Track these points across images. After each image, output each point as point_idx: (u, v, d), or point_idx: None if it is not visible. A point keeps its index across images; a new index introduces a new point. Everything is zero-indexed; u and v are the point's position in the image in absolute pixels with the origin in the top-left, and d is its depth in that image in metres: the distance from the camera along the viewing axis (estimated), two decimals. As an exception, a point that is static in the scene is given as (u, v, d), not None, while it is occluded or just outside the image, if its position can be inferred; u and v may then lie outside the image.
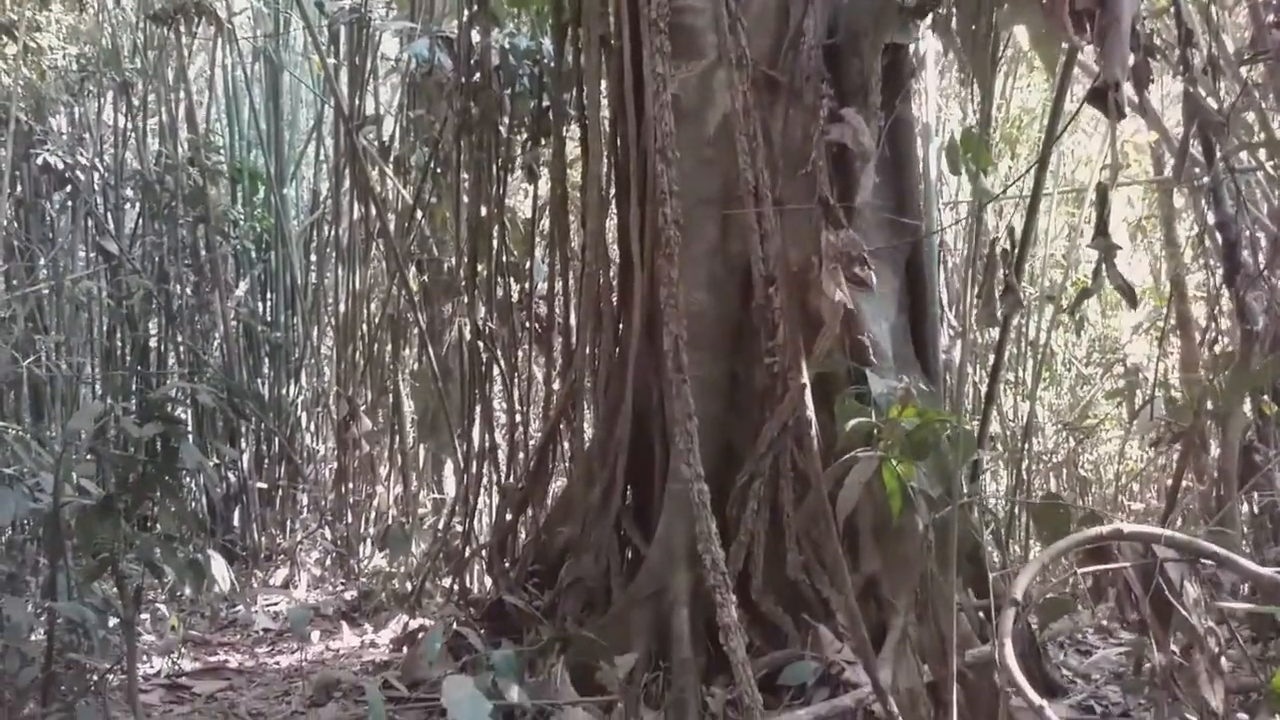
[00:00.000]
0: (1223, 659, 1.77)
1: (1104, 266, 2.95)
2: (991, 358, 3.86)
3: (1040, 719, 1.43)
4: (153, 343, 7.04)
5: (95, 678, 3.16)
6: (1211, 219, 3.49)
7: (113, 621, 3.28)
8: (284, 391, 7.20)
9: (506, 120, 4.83)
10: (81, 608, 2.98)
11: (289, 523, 6.94)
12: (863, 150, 1.92)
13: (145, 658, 4.40)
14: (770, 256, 3.33)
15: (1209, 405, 3.17)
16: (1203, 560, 1.70)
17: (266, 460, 7.05)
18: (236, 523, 6.68)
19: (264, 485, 6.81)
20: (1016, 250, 2.97)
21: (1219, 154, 3.08)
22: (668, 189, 2.94)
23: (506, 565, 4.33)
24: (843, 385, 3.02)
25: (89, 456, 3.39)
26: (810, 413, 1.71)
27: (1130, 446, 7.37)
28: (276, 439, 6.97)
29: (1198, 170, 3.70)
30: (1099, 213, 2.92)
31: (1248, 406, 3.54)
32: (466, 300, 5.05)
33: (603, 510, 3.80)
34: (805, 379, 1.74)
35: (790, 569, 3.42)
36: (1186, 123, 2.70)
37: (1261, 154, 3.71)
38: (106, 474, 4.11)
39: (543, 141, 4.77)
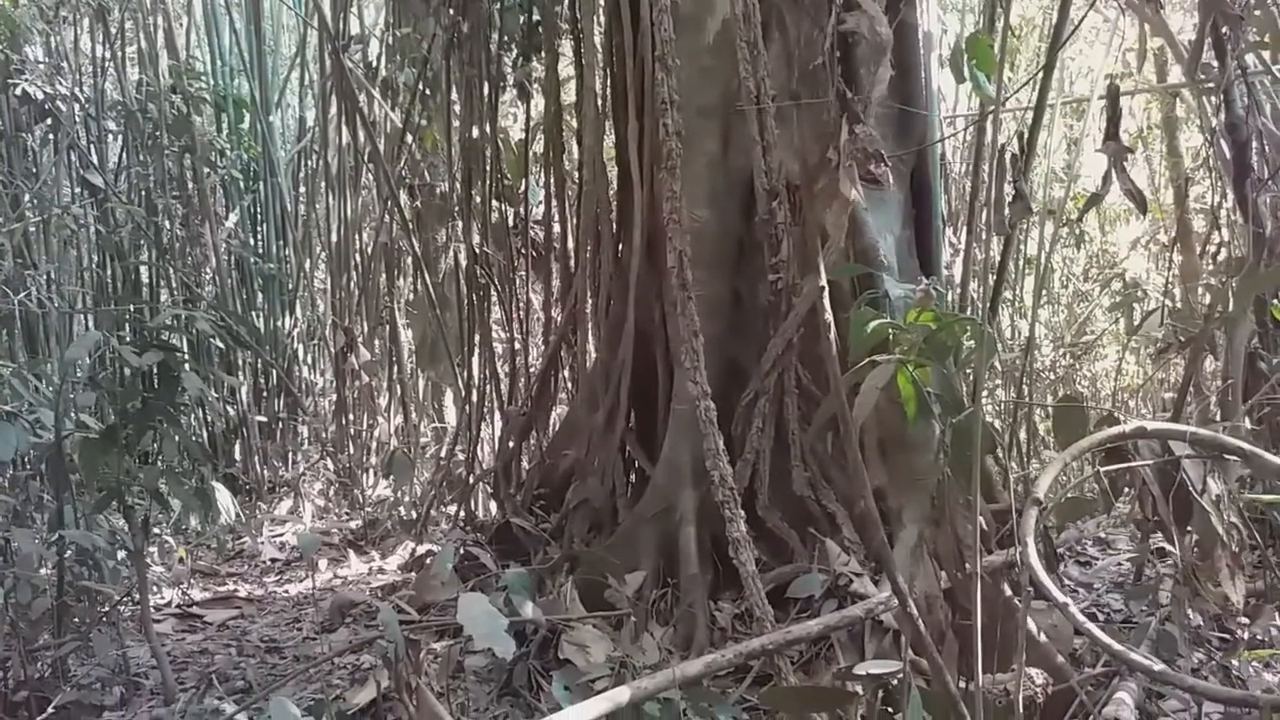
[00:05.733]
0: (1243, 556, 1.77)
1: (1114, 172, 2.90)
2: (992, 273, 3.83)
3: (1064, 616, 1.42)
4: (145, 277, 6.95)
5: (107, 608, 3.18)
6: (1221, 121, 3.42)
7: (121, 554, 3.30)
8: (279, 324, 7.14)
9: (496, 36, 4.70)
10: (91, 535, 2.99)
11: (291, 455, 6.94)
12: (879, 41, 1.85)
13: (155, 589, 4.44)
14: (773, 169, 3.26)
15: (1218, 310, 3.13)
16: (1225, 457, 1.68)
17: (265, 393, 7.02)
18: (238, 456, 6.68)
19: (264, 418, 6.79)
20: (1024, 157, 2.91)
21: (1232, 53, 2.99)
22: (668, 99, 2.86)
23: (512, 490, 4.34)
24: (849, 298, 2.99)
25: (87, 388, 3.35)
26: (829, 316, 1.68)
27: (1128, 362, 7.37)
28: (274, 372, 6.94)
29: (1203, 75, 3.62)
30: (1109, 114, 2.85)
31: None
32: (461, 226, 4.97)
33: (607, 432, 3.80)
34: (823, 281, 1.70)
35: (796, 485, 3.43)
36: (1203, 16, 2.62)
37: (1266, 56, 3.62)
38: (106, 407, 4.08)
39: (535, 57, 4.64)
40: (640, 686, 2.14)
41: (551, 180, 4.60)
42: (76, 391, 3.25)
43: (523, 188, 5.08)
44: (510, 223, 5.09)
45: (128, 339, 6.24)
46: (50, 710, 2.84)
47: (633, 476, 3.93)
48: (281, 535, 5.52)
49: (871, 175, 1.80)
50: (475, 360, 4.97)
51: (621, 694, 2.09)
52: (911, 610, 1.58)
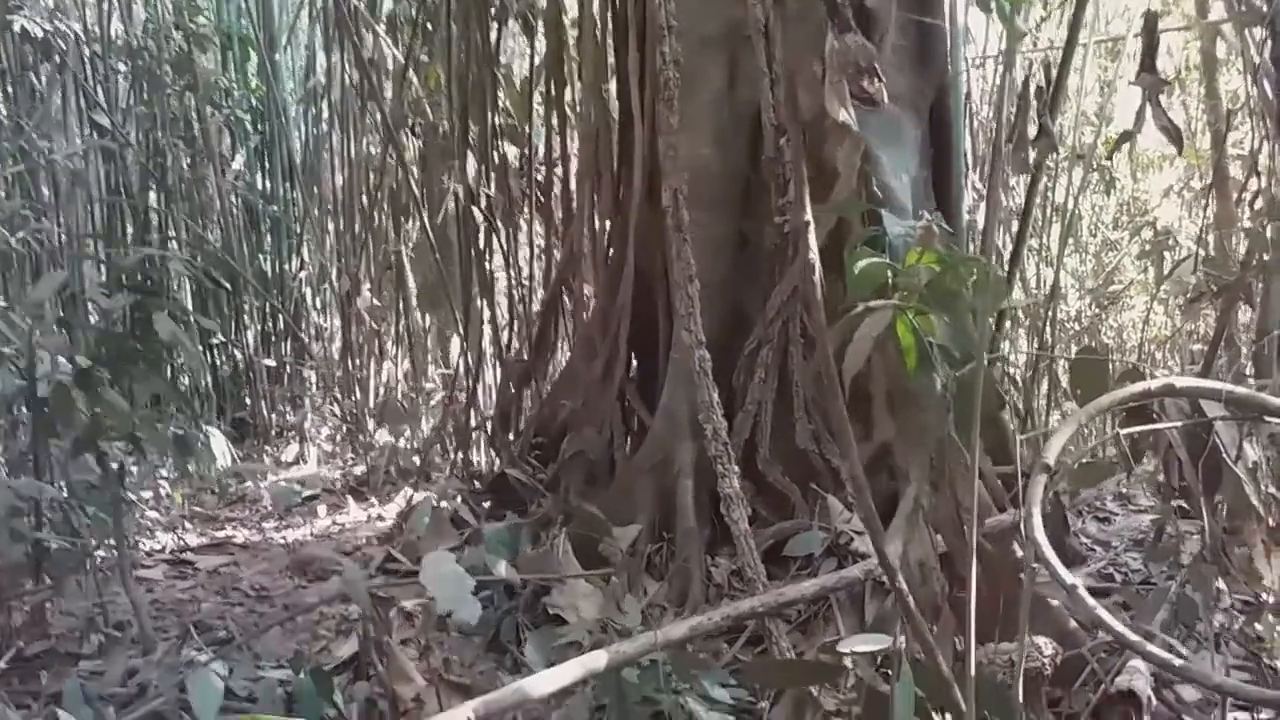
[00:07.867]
0: None
1: (1149, 106, 2.69)
2: (1016, 219, 3.62)
3: (1071, 598, 1.27)
4: (153, 220, 6.83)
5: (86, 555, 3.10)
6: (1265, 57, 3.17)
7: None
8: (286, 267, 7.03)
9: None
10: (66, 482, 2.89)
11: (298, 399, 6.87)
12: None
13: (150, 533, 4.38)
14: (781, 103, 3.06)
15: (1255, 258, 2.92)
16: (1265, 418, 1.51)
17: (273, 337, 6.94)
18: (246, 400, 6.61)
19: (271, 362, 6.72)
20: (1051, 89, 2.71)
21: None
22: (665, 24, 2.66)
23: (509, 438, 4.22)
24: (859, 238, 2.81)
25: (58, 329, 3.24)
26: (814, 256, 1.51)
27: (1156, 312, 7.12)
28: (281, 316, 6.85)
29: (1246, 8, 3.37)
30: (1146, 44, 2.64)
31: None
32: (458, 165, 4.78)
33: (605, 381, 3.66)
34: (808, 215, 1.53)
35: (799, 438, 3.29)
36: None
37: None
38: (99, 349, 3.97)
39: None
40: (619, 650, 2.01)
41: (553, 117, 4.40)
42: (52, 334, 3.12)
43: (526, 127, 4.88)
44: (516, 163, 4.90)
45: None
46: (27, 658, 2.77)
47: (632, 426, 3.80)
48: (287, 480, 5.45)
49: (865, 93, 1.61)
50: (475, 305, 4.81)
51: (598, 659, 1.97)
52: (900, 585, 1.43)
